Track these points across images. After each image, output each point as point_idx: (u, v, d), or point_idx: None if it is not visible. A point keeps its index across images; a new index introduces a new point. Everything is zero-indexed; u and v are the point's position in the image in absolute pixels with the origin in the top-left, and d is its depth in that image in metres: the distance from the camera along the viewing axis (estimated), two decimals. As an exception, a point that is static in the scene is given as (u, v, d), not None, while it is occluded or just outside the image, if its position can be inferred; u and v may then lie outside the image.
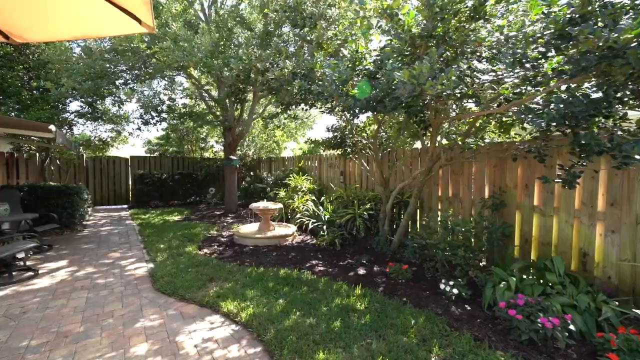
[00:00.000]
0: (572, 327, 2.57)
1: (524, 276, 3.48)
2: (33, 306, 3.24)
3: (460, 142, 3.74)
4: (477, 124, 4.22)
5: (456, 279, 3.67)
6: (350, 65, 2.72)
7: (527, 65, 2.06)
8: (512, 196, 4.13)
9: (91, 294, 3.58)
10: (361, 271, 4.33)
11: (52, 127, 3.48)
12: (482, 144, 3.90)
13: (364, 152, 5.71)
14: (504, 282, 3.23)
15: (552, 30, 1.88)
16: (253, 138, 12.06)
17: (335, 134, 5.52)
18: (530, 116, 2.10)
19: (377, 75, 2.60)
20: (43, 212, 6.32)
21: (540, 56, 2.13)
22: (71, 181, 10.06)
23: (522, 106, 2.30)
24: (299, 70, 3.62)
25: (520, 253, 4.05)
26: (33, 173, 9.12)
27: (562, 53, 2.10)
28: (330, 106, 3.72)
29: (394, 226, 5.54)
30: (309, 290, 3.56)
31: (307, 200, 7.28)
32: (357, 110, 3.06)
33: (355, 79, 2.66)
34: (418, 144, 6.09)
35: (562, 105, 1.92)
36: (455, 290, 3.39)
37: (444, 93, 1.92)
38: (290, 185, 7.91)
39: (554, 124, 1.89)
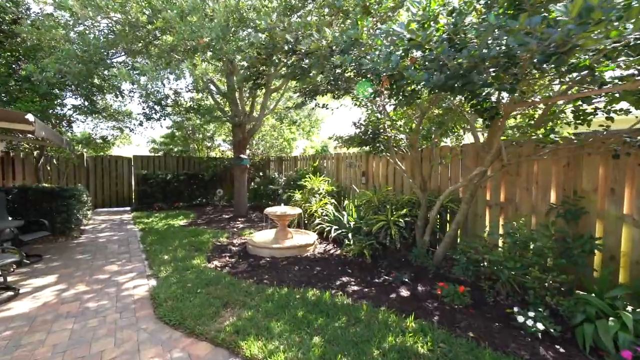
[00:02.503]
0: None
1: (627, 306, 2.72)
2: (1, 344, 2.55)
3: (539, 135, 2.97)
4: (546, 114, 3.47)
5: (533, 306, 2.91)
6: (419, 27, 2.00)
7: None
8: (591, 202, 3.36)
9: (78, 324, 2.88)
10: (404, 292, 3.59)
11: (30, 117, 2.80)
12: (573, 137, 3.14)
13: (396, 149, 4.97)
14: (612, 319, 2.47)
15: None
16: (263, 136, 11.35)
17: (366, 128, 4.78)
18: None
19: (469, 36, 1.86)
20: (34, 217, 5.68)
21: None
22: (70, 182, 9.45)
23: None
24: (334, 46, 2.90)
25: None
26: (30, 173, 8.51)
27: None
28: (372, 91, 2.98)
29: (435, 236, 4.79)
30: (349, 321, 2.83)
31: (326, 203, 6.55)
32: (429, 89, 2.34)
33: (433, 42, 1.93)
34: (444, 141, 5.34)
35: None
36: (540, 325, 2.63)
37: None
38: (306, 187, 7.18)
39: None
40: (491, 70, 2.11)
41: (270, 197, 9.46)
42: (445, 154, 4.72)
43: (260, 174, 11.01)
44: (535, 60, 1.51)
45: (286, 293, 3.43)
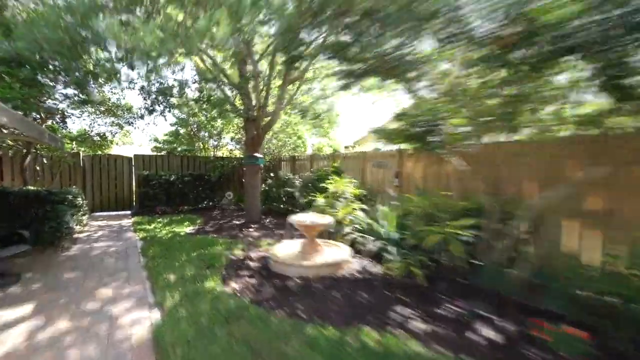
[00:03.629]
0: None
1: None
2: None
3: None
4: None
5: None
6: None
7: None
8: None
9: (49, 392, 2.01)
10: (488, 332, 2.71)
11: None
12: None
13: (451, 146, 4.07)
14: None
15: None
16: (274, 134, 10.47)
17: (415, 120, 3.88)
18: None
19: None
20: (17, 226, 4.83)
21: None
22: (65, 184, 8.61)
23: None
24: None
25: None
26: (19, 175, 7.68)
27: None
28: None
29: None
30: (441, 391, 1.95)
31: (354, 209, 5.66)
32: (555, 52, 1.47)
33: None
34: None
35: None
36: None
37: None
38: (328, 189, 6.30)
39: None
40: None
41: (282, 201, 8.61)
42: (524, 150, 3.79)
43: (272, 174, 10.14)
44: None
45: (337, 338, 2.54)
